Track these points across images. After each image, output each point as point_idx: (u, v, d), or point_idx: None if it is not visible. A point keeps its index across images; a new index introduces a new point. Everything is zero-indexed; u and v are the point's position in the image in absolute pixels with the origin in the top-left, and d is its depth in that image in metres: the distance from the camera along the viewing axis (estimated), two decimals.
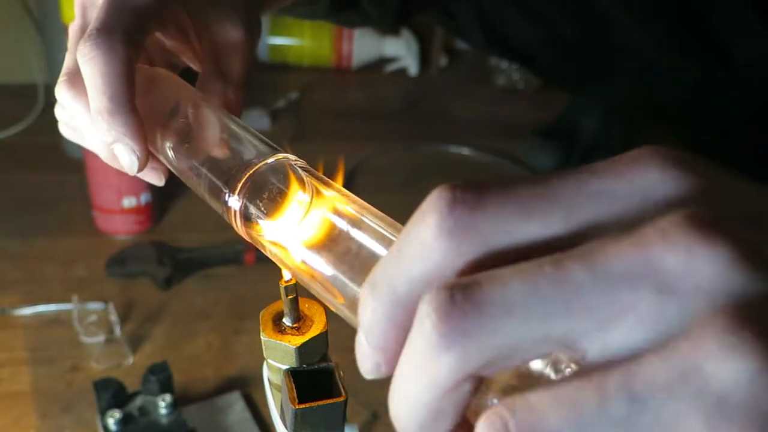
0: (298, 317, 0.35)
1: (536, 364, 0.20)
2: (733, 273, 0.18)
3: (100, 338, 0.70)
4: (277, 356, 0.35)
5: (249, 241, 0.33)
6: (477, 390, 0.20)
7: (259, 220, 0.32)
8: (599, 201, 0.20)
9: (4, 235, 0.84)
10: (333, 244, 0.29)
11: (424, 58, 1.32)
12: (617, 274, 0.19)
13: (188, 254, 0.81)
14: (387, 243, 0.27)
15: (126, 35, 0.37)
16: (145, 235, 0.85)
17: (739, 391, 0.17)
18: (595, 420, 0.18)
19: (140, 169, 0.39)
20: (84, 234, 0.85)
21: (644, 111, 0.94)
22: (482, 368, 0.19)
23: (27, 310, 0.73)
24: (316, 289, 0.29)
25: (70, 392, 0.65)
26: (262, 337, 0.35)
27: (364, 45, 1.28)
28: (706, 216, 0.19)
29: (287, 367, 0.34)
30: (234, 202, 0.33)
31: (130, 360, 0.68)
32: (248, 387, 0.66)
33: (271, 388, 0.37)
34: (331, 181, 0.31)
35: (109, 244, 0.83)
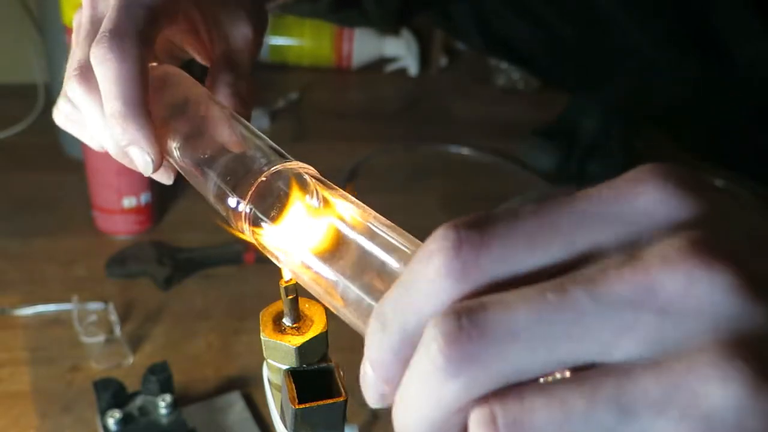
0: (298, 317, 0.35)
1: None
2: (732, 300, 0.19)
3: (100, 338, 0.70)
4: (277, 356, 0.35)
5: (255, 246, 0.34)
6: None
7: (265, 226, 0.32)
8: (600, 226, 0.21)
9: (4, 235, 0.84)
10: (339, 252, 0.29)
11: (424, 58, 1.32)
12: (618, 299, 0.19)
13: (188, 254, 0.81)
14: (394, 252, 0.27)
15: (139, 37, 0.38)
16: (145, 235, 0.85)
17: (727, 416, 0.18)
18: (581, 424, 0.19)
19: (155, 171, 0.39)
20: (84, 234, 0.85)
21: (644, 111, 0.94)
22: (488, 391, 0.20)
23: (27, 310, 0.73)
24: (320, 294, 0.29)
25: (70, 392, 0.65)
26: (262, 337, 0.35)
27: (364, 45, 1.28)
28: (708, 241, 0.19)
29: (287, 367, 0.34)
30: (242, 207, 0.33)
31: (130, 360, 0.68)
32: (248, 387, 0.66)
33: (271, 388, 0.37)
34: (339, 189, 0.31)
35: (109, 244, 0.83)
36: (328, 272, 0.29)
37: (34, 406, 0.64)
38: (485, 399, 0.20)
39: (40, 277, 0.78)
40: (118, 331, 0.70)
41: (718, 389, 0.18)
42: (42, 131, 1.03)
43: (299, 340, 0.34)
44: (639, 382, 0.19)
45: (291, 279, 0.34)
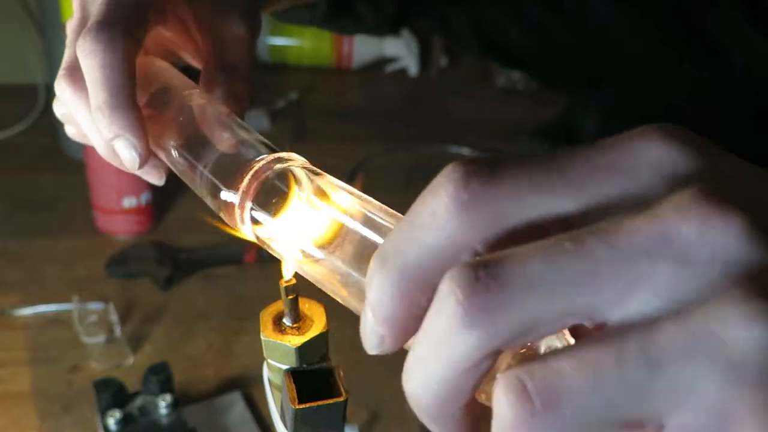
0: (298, 317, 0.35)
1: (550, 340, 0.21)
2: (746, 244, 0.19)
3: (101, 338, 0.70)
4: (277, 356, 0.35)
5: (249, 239, 0.33)
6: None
7: (262, 218, 0.32)
8: (608, 177, 0.21)
9: (4, 235, 0.84)
10: (338, 240, 0.29)
11: (424, 58, 1.32)
12: (635, 248, 0.19)
13: (188, 254, 0.81)
14: (385, 231, 0.27)
15: (127, 29, 0.37)
16: (145, 235, 0.85)
17: (754, 356, 0.18)
18: (613, 383, 0.19)
19: (141, 166, 0.38)
20: (84, 234, 0.85)
21: (642, 112, 0.94)
22: (505, 344, 0.20)
23: (27, 310, 0.73)
24: (322, 283, 0.29)
25: (70, 392, 0.65)
26: (262, 337, 0.35)
27: (364, 45, 1.28)
28: (717, 189, 0.20)
29: (287, 367, 0.34)
30: (237, 200, 0.32)
31: (131, 360, 0.68)
32: (248, 387, 0.66)
33: (271, 388, 0.37)
34: (336, 180, 0.31)
35: (109, 244, 0.83)
36: (327, 261, 0.29)
37: (34, 406, 0.64)
38: (509, 369, 0.20)
39: (40, 277, 0.78)
40: (118, 331, 0.70)
41: (740, 332, 0.18)
42: (42, 131, 1.04)
43: (299, 340, 0.34)
44: (664, 333, 0.19)
45: (291, 279, 0.34)
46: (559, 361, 0.19)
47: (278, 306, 0.35)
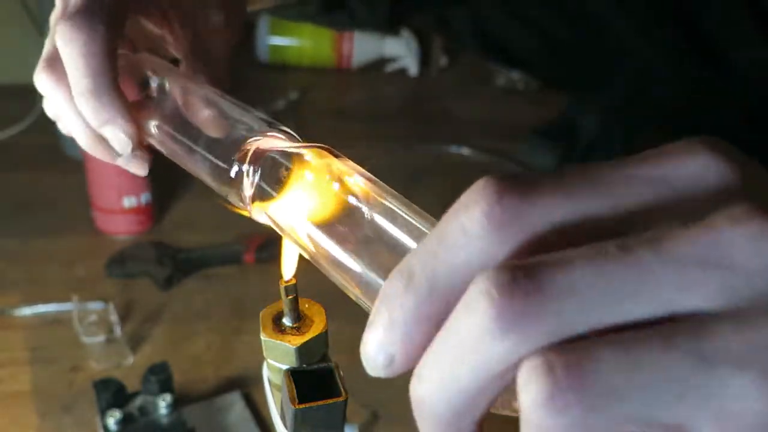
0: (298, 317, 0.35)
1: None
2: None
3: (101, 338, 0.70)
4: (277, 356, 0.35)
5: (254, 218, 0.33)
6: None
7: (270, 198, 0.32)
8: (648, 187, 0.20)
9: (4, 235, 0.84)
10: (346, 222, 0.28)
11: (424, 58, 1.31)
12: (685, 256, 0.18)
13: (188, 254, 0.81)
14: (400, 221, 0.27)
15: (107, 17, 0.37)
16: (145, 235, 0.85)
17: None
18: (653, 374, 0.17)
19: (133, 149, 0.38)
20: (84, 234, 0.85)
21: (642, 112, 0.94)
22: (536, 351, 0.18)
23: (27, 310, 0.73)
24: (325, 269, 0.29)
25: (70, 392, 0.65)
26: (262, 337, 0.35)
27: (365, 45, 1.28)
28: (766, 206, 0.19)
29: (287, 367, 0.34)
30: (237, 171, 0.32)
31: (130, 360, 0.68)
32: (248, 387, 0.66)
33: (271, 388, 0.37)
34: (345, 159, 0.31)
35: (109, 244, 0.83)
36: (333, 246, 0.28)
37: (34, 406, 0.64)
38: (538, 351, 0.18)
39: (40, 277, 0.78)
40: (118, 331, 0.70)
41: None
42: (42, 131, 1.03)
43: (299, 340, 0.34)
44: (718, 333, 0.18)
45: (291, 279, 0.34)
46: (596, 346, 0.18)
47: (278, 306, 0.35)
